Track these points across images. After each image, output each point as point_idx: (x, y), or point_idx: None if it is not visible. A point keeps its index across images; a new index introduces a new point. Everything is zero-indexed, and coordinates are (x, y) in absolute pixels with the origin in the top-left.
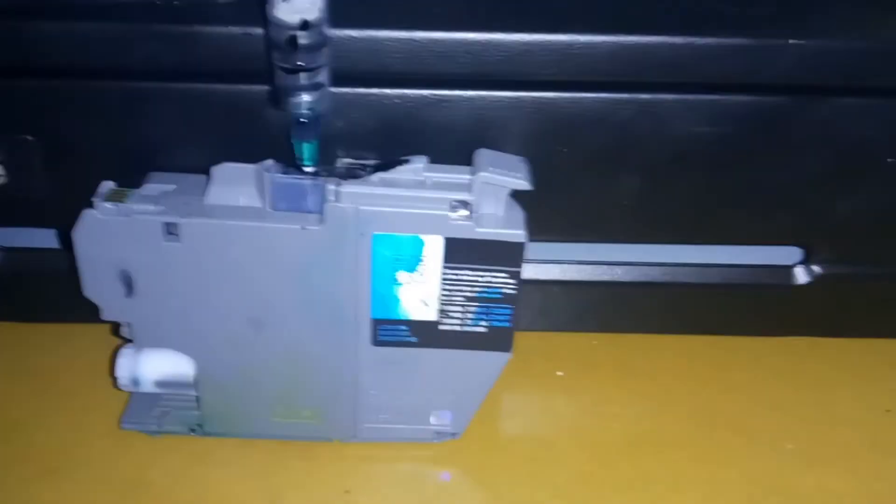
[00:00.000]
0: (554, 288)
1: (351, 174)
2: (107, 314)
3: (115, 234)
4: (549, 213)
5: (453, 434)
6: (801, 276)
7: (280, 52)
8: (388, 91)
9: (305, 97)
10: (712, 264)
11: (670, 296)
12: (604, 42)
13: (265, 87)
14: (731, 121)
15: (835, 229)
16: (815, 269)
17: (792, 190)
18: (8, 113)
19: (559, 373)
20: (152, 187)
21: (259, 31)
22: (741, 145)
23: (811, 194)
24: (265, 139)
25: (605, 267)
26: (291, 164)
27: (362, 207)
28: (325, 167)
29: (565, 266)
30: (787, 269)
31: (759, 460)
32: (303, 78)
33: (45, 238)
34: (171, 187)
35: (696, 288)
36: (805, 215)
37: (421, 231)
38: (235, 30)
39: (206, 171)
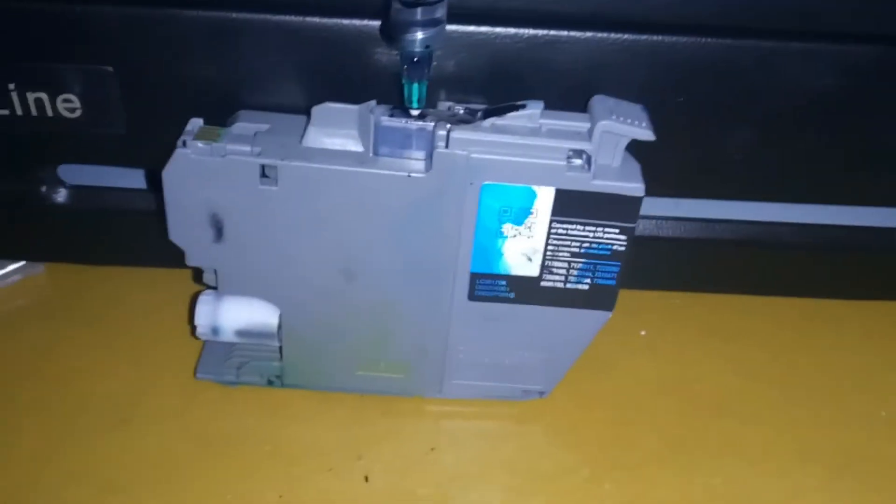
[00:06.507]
0: (646, 245)
1: (461, 119)
2: (192, 259)
3: (207, 175)
4: (655, 165)
5: (541, 393)
6: None
7: None
8: (498, 30)
9: (421, 34)
10: (813, 224)
11: (766, 256)
12: None
13: (367, 22)
14: (855, 73)
15: None
16: None
17: None
18: (86, 42)
19: (642, 332)
20: (244, 126)
21: None
22: (863, 100)
23: None
24: (365, 78)
25: (701, 224)
26: (397, 106)
27: (473, 155)
28: (434, 111)
29: (661, 222)
30: (890, 232)
31: (852, 427)
32: (421, 12)
33: (115, 176)
34: (263, 127)
35: (795, 249)
36: None
37: (534, 182)
38: None
39: (300, 111)
